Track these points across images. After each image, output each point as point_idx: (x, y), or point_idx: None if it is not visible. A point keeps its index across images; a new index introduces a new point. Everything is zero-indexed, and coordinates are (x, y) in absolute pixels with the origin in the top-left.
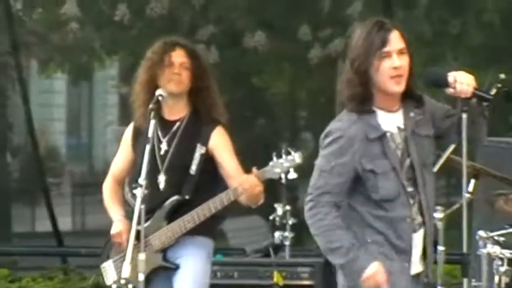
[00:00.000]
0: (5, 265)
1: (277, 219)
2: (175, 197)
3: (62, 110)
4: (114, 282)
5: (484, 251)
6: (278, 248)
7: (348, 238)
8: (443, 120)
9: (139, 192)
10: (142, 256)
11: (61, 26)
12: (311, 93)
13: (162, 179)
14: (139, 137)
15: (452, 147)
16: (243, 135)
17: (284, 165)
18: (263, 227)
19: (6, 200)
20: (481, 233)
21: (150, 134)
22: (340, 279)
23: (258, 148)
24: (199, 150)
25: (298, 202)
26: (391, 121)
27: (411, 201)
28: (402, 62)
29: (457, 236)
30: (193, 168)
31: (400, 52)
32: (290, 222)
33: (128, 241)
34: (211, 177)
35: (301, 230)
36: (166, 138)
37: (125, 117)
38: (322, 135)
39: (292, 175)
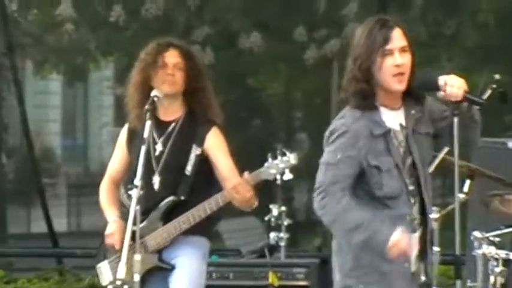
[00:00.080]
0: (0, 266)
1: (272, 220)
2: (170, 198)
3: (57, 111)
4: (110, 283)
5: (480, 251)
6: (273, 248)
7: (366, 215)
8: (439, 121)
9: (134, 193)
10: (137, 257)
11: (56, 27)
12: (306, 94)
13: (156, 180)
14: (134, 139)
15: (446, 149)
16: (239, 136)
17: (279, 166)
18: (258, 227)
19: (2, 201)
20: (477, 233)
21: (145, 135)
22: (337, 277)
23: (254, 149)
24: (195, 151)
25: (294, 203)
26: (393, 118)
27: (412, 200)
28: (404, 60)
29: (452, 237)
30: (188, 169)
31: (402, 50)
32: (285, 223)
33: (121, 241)
34: (206, 178)
35: (296, 231)
36: (162, 139)
37: (120, 118)
38: (327, 133)
39: (288, 176)
